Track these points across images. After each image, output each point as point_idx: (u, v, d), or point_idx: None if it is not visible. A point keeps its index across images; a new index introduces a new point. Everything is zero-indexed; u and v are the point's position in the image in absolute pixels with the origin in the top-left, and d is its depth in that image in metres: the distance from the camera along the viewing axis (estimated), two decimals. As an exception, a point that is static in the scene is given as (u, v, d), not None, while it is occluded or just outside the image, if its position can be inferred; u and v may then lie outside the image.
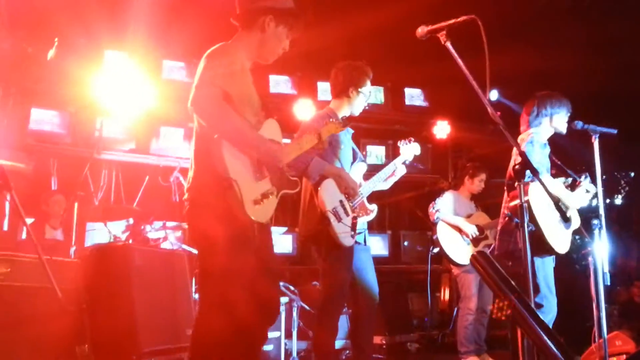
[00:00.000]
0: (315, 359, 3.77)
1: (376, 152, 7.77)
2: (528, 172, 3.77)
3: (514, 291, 2.04)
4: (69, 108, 6.49)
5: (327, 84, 7.31)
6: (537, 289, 3.89)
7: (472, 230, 5.61)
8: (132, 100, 6.37)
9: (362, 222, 3.92)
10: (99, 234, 5.65)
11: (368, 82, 3.96)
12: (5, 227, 6.05)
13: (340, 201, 3.76)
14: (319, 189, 3.68)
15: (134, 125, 6.73)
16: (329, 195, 3.70)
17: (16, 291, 3.13)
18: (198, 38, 6.76)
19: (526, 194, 3.75)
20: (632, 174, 4.43)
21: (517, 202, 3.84)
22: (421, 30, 2.88)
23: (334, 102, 4.00)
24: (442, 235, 5.62)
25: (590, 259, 4.77)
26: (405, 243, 7.99)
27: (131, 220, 5.70)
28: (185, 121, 7.09)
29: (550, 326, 3.94)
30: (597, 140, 3.99)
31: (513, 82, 7.10)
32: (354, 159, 4.01)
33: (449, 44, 2.83)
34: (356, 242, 3.83)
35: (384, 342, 6.34)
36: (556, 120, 4.16)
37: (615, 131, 4.15)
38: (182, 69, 6.97)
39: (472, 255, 2.17)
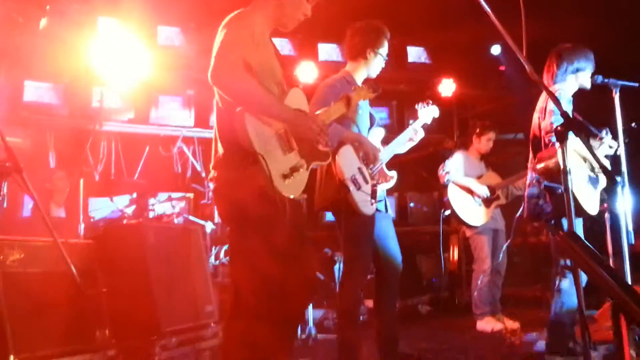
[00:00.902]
0: (340, 329, 3.70)
1: (379, 114, 7.61)
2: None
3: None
4: (63, 79, 6.28)
5: (328, 45, 7.26)
6: None
7: (483, 191, 5.51)
8: (128, 68, 6.13)
9: (382, 190, 3.81)
10: (103, 209, 5.50)
11: (385, 43, 3.79)
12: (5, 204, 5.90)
13: (359, 168, 3.63)
14: (336, 156, 3.54)
15: (131, 94, 6.53)
16: (347, 162, 3.57)
17: (32, 278, 2.99)
18: (194, 2, 6.55)
19: (555, 155, 3.63)
20: (633, 124, 4.31)
21: (545, 164, 3.77)
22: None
23: (350, 64, 3.83)
24: (454, 197, 5.52)
25: (607, 215, 4.73)
26: (412, 204, 7.90)
27: (135, 195, 5.57)
28: (183, 89, 6.91)
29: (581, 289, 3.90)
30: (617, 94, 3.87)
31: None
32: (372, 124, 3.87)
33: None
34: (377, 210, 3.71)
35: (395, 305, 6.30)
36: (582, 76, 4.00)
37: (636, 84, 4.02)
38: (179, 34, 6.72)
39: (562, 236, 2.02)
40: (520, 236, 7.26)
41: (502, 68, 8.11)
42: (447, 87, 7.58)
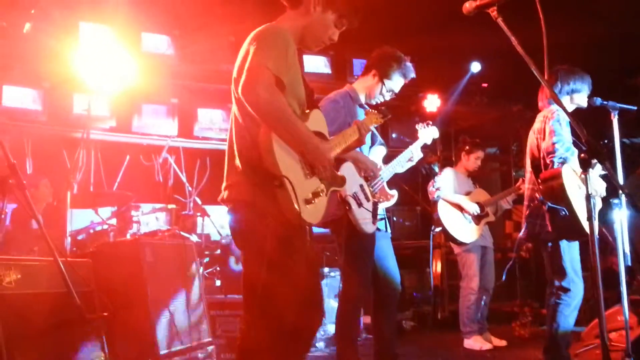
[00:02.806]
0: (338, 346, 3.63)
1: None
2: (559, 152, 3.68)
3: None
4: (43, 84, 6.08)
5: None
6: (564, 274, 3.81)
7: (474, 208, 5.52)
8: (111, 75, 5.97)
9: (382, 208, 3.77)
10: (82, 221, 5.31)
11: (396, 77, 3.73)
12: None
13: (361, 185, 3.59)
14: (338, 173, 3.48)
15: (113, 102, 6.36)
16: (349, 178, 3.50)
17: (29, 299, 2.83)
18: (178, 9, 6.43)
19: (558, 176, 3.64)
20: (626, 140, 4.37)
21: (548, 186, 3.76)
22: (469, 5, 2.65)
23: (357, 81, 3.81)
24: (444, 214, 5.51)
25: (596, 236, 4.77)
26: (394, 219, 7.89)
27: (116, 207, 5.40)
28: (167, 97, 6.77)
29: (577, 310, 3.92)
30: (616, 117, 3.91)
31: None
32: (373, 142, 3.83)
33: (500, 20, 2.61)
34: (377, 228, 3.67)
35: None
36: (577, 97, 4.04)
37: (634, 108, 4.07)
38: (163, 41, 6.58)
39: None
40: (499, 252, 7.33)
41: (485, 85, 8.19)
42: (432, 102, 7.60)
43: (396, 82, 3.76)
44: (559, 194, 3.64)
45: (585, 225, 3.74)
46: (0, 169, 2.69)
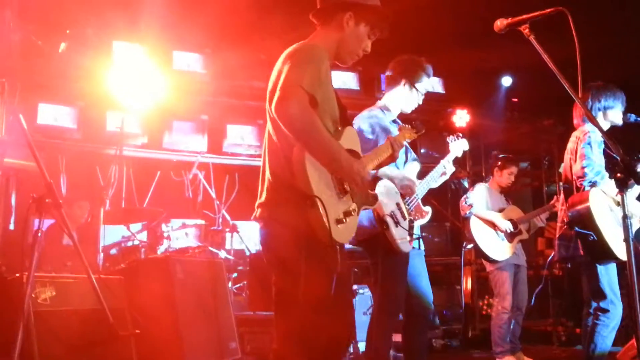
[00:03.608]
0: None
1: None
2: (589, 177, 3.62)
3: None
4: (78, 102, 6.21)
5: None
6: (602, 295, 3.74)
7: (507, 225, 5.43)
8: (143, 92, 6.07)
9: (417, 226, 3.73)
10: (114, 236, 5.38)
11: (424, 79, 3.74)
12: (12, 226, 5.78)
13: (397, 204, 3.56)
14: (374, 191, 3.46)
15: (145, 118, 6.45)
16: (386, 197, 3.49)
17: (64, 316, 2.87)
18: (209, 28, 6.51)
19: (586, 200, 3.59)
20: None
21: (576, 210, 3.70)
22: (500, 23, 2.64)
23: (386, 96, 3.79)
24: (476, 231, 5.43)
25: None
26: (423, 234, 7.79)
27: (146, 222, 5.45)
28: (197, 114, 6.85)
29: (615, 331, 3.82)
30: (651, 133, 3.85)
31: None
32: (407, 158, 3.80)
33: (532, 38, 2.58)
34: (412, 247, 3.64)
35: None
36: (611, 114, 3.97)
37: (673, 123, 3.99)
38: (194, 59, 6.68)
39: None
40: (531, 269, 7.19)
41: (515, 100, 8.11)
42: (461, 117, 7.55)
43: (425, 83, 3.77)
44: (586, 219, 3.60)
45: (616, 248, 3.65)
46: (37, 188, 2.74)
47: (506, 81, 8.18)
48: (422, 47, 6.74)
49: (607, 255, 3.63)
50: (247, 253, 6.26)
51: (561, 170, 4.12)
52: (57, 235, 4.64)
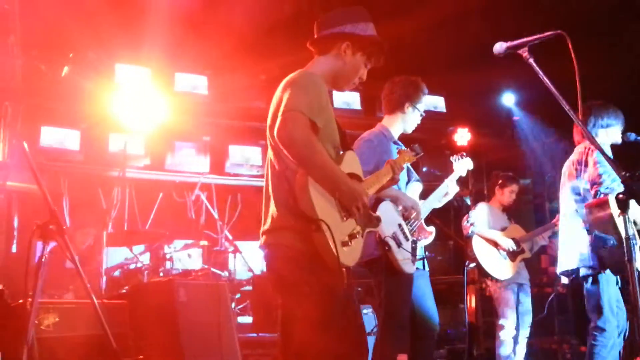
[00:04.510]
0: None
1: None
2: (606, 183, 3.61)
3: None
4: (80, 125, 6.24)
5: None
6: (600, 312, 3.70)
7: (509, 244, 5.42)
8: (146, 114, 6.11)
9: (421, 246, 3.73)
10: (116, 258, 5.37)
11: (423, 98, 3.76)
12: (14, 249, 5.77)
13: (399, 225, 3.55)
14: (376, 213, 3.45)
15: (147, 140, 6.48)
16: (388, 219, 3.48)
17: (67, 342, 2.86)
18: (211, 50, 6.57)
19: (606, 206, 3.57)
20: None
21: (597, 216, 3.68)
22: (499, 47, 2.64)
23: (387, 118, 3.80)
24: (479, 250, 5.42)
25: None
26: (426, 253, 7.77)
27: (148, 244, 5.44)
28: (199, 135, 6.88)
29: (616, 348, 3.78)
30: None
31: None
32: (409, 178, 3.80)
33: (532, 61, 2.59)
34: (416, 267, 3.62)
35: None
36: (612, 132, 3.98)
37: (673, 143, 3.99)
38: (196, 81, 6.73)
39: None
40: (535, 286, 7.16)
41: (516, 118, 8.14)
42: (462, 136, 7.57)
43: (424, 102, 3.79)
44: (608, 223, 3.56)
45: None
46: (40, 212, 2.75)
47: (507, 99, 8.22)
48: (423, 66, 6.83)
49: (621, 263, 3.58)
50: (250, 274, 6.24)
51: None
52: (58, 258, 4.64)
